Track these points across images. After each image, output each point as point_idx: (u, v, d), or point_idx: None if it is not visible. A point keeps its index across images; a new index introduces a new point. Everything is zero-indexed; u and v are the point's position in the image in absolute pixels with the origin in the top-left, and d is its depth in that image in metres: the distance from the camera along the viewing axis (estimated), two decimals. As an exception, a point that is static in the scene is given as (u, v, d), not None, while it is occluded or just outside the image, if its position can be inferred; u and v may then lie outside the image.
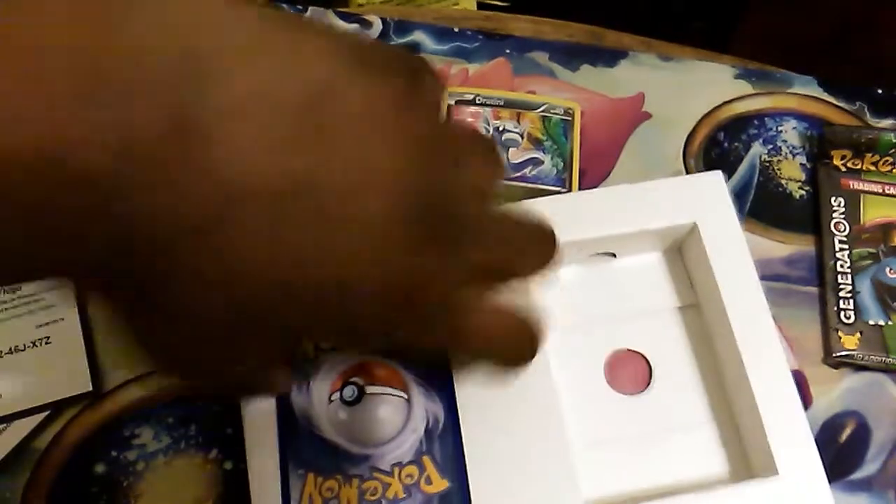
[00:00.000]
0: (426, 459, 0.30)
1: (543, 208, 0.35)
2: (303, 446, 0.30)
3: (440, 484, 0.30)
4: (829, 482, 0.35)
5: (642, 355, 0.36)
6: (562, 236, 0.34)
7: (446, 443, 0.30)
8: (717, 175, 0.36)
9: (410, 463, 0.30)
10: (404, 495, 0.30)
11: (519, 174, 0.41)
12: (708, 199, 0.35)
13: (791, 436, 0.32)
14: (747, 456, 0.34)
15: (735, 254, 0.34)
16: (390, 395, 0.31)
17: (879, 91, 0.44)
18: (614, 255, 0.37)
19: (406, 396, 0.31)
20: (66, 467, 0.34)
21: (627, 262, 0.37)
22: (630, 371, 0.36)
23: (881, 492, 0.35)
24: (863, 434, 0.36)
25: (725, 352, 0.34)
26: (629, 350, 0.36)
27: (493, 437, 0.31)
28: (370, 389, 0.31)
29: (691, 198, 0.35)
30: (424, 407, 0.31)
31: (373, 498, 0.29)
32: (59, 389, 0.35)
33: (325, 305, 0.19)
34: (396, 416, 0.31)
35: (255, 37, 0.17)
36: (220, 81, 0.16)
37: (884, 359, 0.36)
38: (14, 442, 0.35)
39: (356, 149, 0.17)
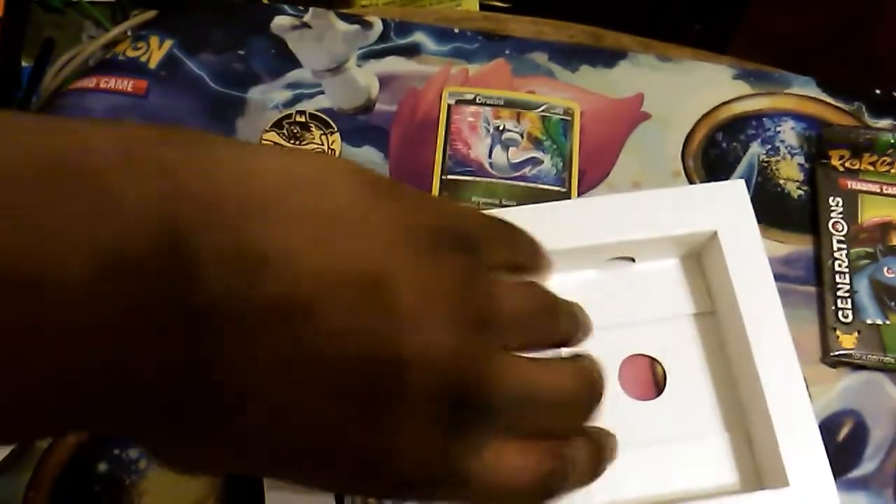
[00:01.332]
0: None
1: (564, 212, 0.35)
2: None
3: None
4: (827, 480, 0.35)
5: (657, 361, 0.36)
6: (582, 240, 0.34)
7: None
8: (740, 184, 0.36)
9: None
10: None
11: (518, 174, 0.41)
12: (729, 208, 0.35)
13: (803, 448, 0.32)
14: (758, 466, 0.34)
15: (754, 263, 0.34)
16: None
17: (877, 91, 0.44)
18: (633, 260, 0.37)
19: None
20: (67, 466, 0.34)
21: (646, 266, 0.37)
22: (644, 376, 0.36)
23: (879, 490, 0.35)
24: (860, 433, 0.36)
25: (740, 361, 0.34)
26: (644, 355, 0.36)
27: None
28: None
29: (713, 205, 0.35)
30: None
31: None
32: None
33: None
34: None
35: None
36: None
37: (881, 358, 0.37)
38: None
39: (405, 331, 0.18)
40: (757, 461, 0.34)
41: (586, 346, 0.35)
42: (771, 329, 0.33)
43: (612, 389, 0.35)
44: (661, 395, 0.35)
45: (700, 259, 0.37)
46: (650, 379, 0.36)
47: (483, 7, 0.54)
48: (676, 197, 0.35)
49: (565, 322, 0.23)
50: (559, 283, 0.36)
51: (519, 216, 0.34)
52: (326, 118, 0.42)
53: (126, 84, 0.43)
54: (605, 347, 0.35)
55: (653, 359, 0.36)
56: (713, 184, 0.36)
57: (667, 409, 0.35)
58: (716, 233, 0.35)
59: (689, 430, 0.34)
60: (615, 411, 0.34)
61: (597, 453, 0.24)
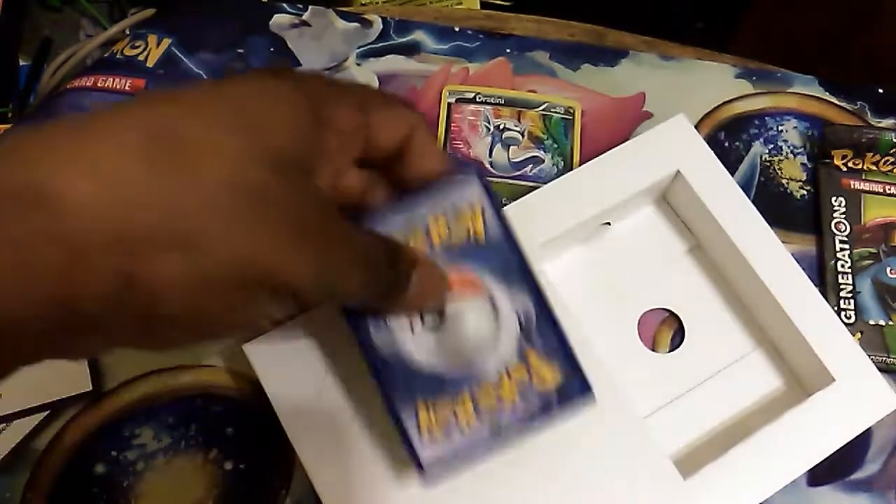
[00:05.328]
0: (529, 352, 0.28)
1: (536, 203, 0.35)
2: (402, 385, 0.28)
3: (553, 377, 0.28)
4: (830, 482, 0.35)
5: (669, 311, 0.37)
6: (559, 225, 0.34)
7: (546, 332, 0.28)
8: (682, 118, 0.36)
9: (516, 364, 0.28)
10: (519, 399, 0.28)
11: (519, 173, 0.41)
12: (682, 144, 0.36)
13: (835, 343, 0.32)
14: (796, 371, 0.35)
15: (722, 186, 0.35)
16: (472, 303, 0.28)
17: (880, 90, 0.44)
18: (609, 224, 0.37)
19: (488, 298, 0.28)
20: (66, 467, 0.34)
21: (624, 225, 0.38)
22: (663, 329, 0.37)
23: (881, 492, 0.35)
24: (863, 434, 0.36)
25: (745, 280, 0.35)
26: (655, 309, 0.37)
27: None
28: (449, 306, 0.28)
29: (666, 148, 0.36)
30: (510, 304, 0.28)
31: (491, 410, 0.28)
32: (59, 389, 0.35)
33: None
34: (486, 322, 0.28)
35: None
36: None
37: (884, 359, 0.36)
38: (14, 442, 0.35)
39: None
40: (794, 366, 0.35)
41: (604, 315, 0.35)
42: (761, 239, 0.34)
43: (641, 353, 0.36)
44: (685, 340, 0.36)
45: (668, 200, 0.38)
46: (669, 330, 0.37)
47: (484, 5, 0.54)
48: (629, 153, 0.36)
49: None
50: (550, 270, 0.36)
51: None
52: (326, 117, 0.42)
53: (124, 83, 0.42)
54: (618, 315, 0.36)
55: (665, 309, 0.37)
56: (657, 128, 0.36)
57: (694, 352, 0.36)
58: (678, 171, 0.35)
59: (721, 363, 0.35)
60: (649, 371, 0.35)
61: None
